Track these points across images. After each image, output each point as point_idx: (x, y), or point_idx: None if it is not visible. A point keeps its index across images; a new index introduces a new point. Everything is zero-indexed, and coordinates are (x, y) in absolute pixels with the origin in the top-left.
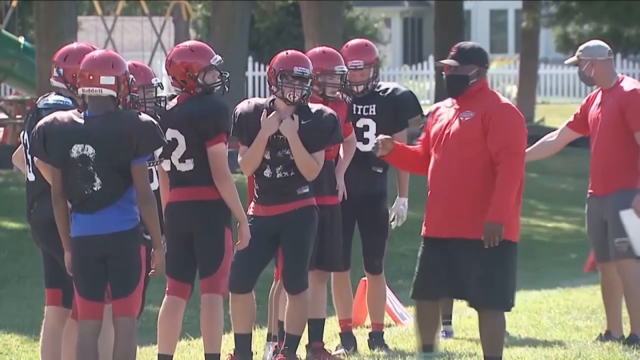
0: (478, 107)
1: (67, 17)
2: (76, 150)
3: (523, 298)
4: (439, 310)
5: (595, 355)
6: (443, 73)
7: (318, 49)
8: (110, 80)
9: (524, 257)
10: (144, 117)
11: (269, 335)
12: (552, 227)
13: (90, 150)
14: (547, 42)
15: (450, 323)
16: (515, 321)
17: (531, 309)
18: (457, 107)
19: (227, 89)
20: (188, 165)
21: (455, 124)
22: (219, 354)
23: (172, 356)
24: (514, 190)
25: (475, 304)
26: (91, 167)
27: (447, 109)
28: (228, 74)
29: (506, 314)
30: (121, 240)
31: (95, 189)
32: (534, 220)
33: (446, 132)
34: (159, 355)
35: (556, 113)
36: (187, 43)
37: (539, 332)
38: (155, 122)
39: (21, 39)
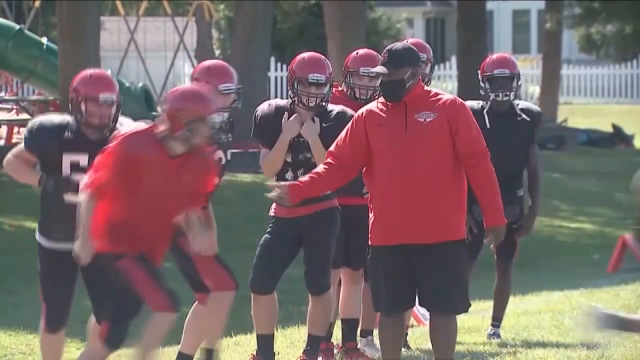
0: (435, 108)
1: (89, 17)
2: None
3: (546, 299)
4: (404, 323)
5: (619, 356)
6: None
7: (360, 51)
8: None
9: (547, 258)
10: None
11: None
12: (575, 227)
13: None
14: (570, 43)
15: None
16: (538, 322)
17: (554, 310)
18: (404, 109)
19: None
20: None
21: (416, 126)
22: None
23: (193, 356)
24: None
25: (440, 309)
26: None
27: (382, 113)
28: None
29: (530, 314)
30: None
31: None
32: (557, 221)
33: (404, 135)
34: (179, 353)
35: (579, 113)
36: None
37: (561, 333)
38: None
39: (44, 40)
